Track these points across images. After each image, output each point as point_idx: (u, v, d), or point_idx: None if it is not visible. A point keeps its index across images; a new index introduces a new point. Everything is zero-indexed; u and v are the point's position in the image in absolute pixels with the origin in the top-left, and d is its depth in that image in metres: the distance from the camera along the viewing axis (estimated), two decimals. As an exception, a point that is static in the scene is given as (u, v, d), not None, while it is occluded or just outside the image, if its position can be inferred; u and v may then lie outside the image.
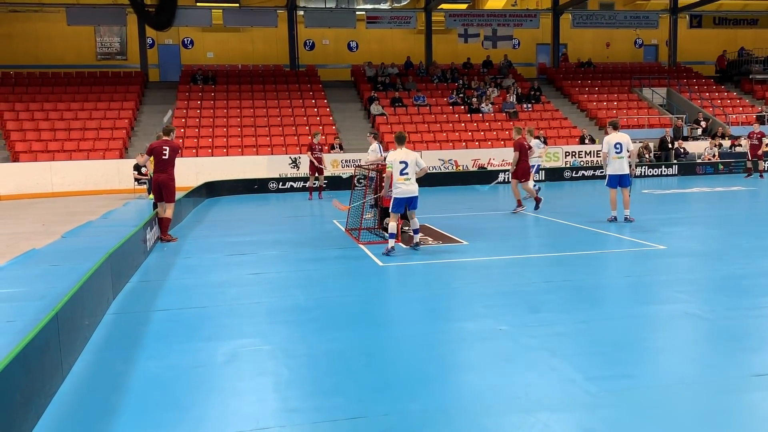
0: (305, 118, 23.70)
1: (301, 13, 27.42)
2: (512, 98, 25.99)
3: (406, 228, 9.55)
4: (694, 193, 16.70)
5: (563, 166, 22.33)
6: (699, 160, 22.97)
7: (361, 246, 9.32)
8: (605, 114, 25.58)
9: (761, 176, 19.68)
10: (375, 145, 12.71)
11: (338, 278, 7.60)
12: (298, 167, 20.58)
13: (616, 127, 11.13)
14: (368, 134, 13.97)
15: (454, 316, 5.94)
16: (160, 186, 9.92)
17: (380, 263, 8.13)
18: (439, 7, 28.24)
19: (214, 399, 4.09)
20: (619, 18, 30.66)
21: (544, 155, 17.62)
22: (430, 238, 9.81)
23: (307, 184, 17.55)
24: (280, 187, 19.60)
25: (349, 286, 7.21)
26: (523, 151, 12.47)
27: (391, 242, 8.62)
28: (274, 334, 5.43)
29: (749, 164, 20.42)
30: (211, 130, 22.72)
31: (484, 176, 21.00)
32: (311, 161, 16.52)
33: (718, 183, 18.80)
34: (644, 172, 21.44)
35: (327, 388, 4.24)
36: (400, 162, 8.64)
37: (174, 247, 9.79)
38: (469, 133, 23.74)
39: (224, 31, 28.28)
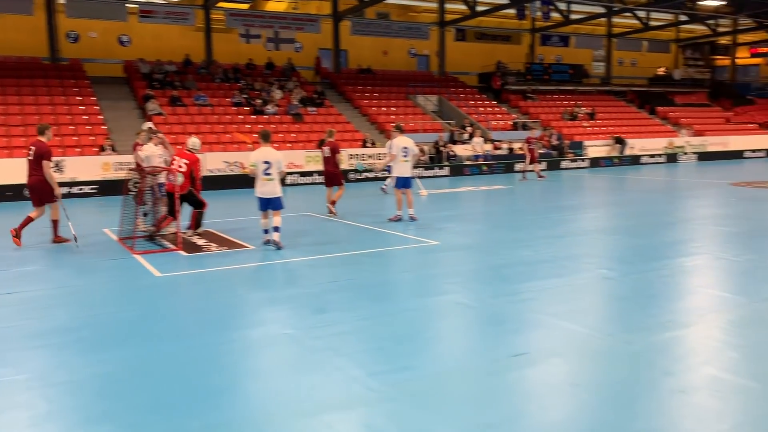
0: (70, 117, 21.45)
1: (62, 1, 24.79)
2: (296, 101, 26.17)
3: (186, 231, 9.10)
4: (462, 192, 18.25)
5: (348, 168, 23.03)
6: (467, 162, 25.21)
7: (136, 256, 8.64)
8: (385, 119, 26.89)
9: (540, 177, 21.16)
10: (154, 148, 11.31)
11: (108, 293, 6.94)
12: (62, 171, 18.57)
13: (401, 131, 11.71)
14: (144, 134, 12.31)
15: (237, 324, 5.74)
16: (31, 190, 9.65)
17: (157, 273, 7.60)
18: (219, 5, 27.42)
19: (-52, 446, 3.45)
20: (395, 28, 32.47)
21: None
22: (214, 245, 9.43)
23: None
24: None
25: (121, 300, 6.62)
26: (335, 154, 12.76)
27: (265, 237, 9.26)
28: (29, 361, 4.77)
29: (526, 167, 21.65)
30: (-49, 129, 19.51)
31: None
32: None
33: (483, 182, 20.79)
34: (421, 173, 22.94)
35: (94, 415, 3.83)
36: (264, 162, 8.85)
37: None
38: (255, 135, 23.40)
39: (-33, 17, 24.51)
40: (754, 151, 31.02)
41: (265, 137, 9.16)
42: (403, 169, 11.42)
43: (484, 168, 24.70)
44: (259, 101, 25.47)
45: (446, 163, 24.72)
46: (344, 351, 4.85)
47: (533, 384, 4.31)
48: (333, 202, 12.75)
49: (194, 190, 10.19)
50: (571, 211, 13.70)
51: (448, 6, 32.59)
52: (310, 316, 5.80)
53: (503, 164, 24.69)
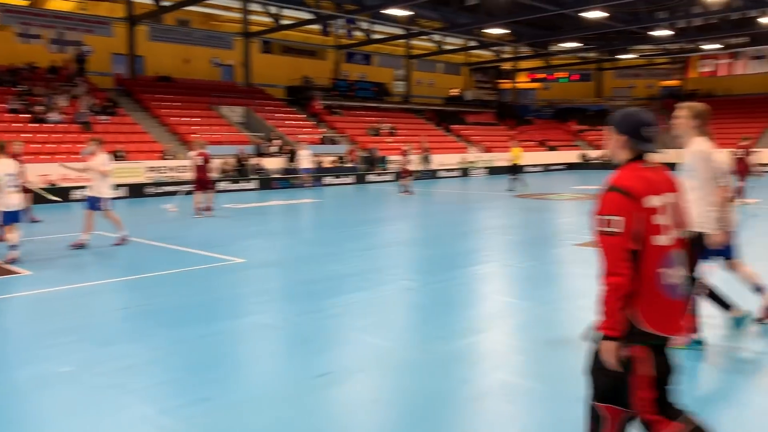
0: None
1: None
2: (85, 109, 23.96)
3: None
4: (270, 206, 17.98)
5: (145, 181, 21.58)
6: (274, 175, 24.95)
7: None
8: (187, 129, 25.69)
9: (405, 192, 20.67)
10: None
11: None
12: None
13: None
14: None
15: (3, 364, 4.95)
16: None
17: None
18: (-10, -1, 24.35)
19: None
20: (196, 36, 31.30)
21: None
22: (-22, 271, 8.16)
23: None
24: None
25: None
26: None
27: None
28: None
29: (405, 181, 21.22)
30: None
31: (57, 193, 18.75)
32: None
33: (291, 196, 20.70)
34: (226, 187, 22.21)
35: None
36: (8, 174, 8.57)
37: None
38: (38, 145, 20.95)
39: None
40: (534, 165, 34.64)
41: (1, 149, 8.78)
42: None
43: (293, 182, 24.62)
44: (40, 108, 22.92)
45: (253, 177, 24.25)
46: (133, 387, 4.38)
47: (336, 404, 4.23)
48: (208, 208, 14.31)
49: None
50: (377, 223, 14.10)
51: (253, 18, 32.22)
52: (94, 350, 5.19)
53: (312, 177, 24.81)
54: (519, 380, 4.55)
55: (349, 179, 27.12)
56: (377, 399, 4.26)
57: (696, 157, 4.70)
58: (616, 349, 2.58)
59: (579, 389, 3.16)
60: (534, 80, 48.63)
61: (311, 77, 35.27)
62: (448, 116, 40.10)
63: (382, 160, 29.53)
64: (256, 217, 15.61)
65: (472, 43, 38.93)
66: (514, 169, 22.19)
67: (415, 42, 39.73)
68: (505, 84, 47.55)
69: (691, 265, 4.67)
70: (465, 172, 32.18)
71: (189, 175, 17.06)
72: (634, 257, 2.58)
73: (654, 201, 2.63)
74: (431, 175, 29.47)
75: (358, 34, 34.60)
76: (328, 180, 26.06)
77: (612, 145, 2.81)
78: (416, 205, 17.92)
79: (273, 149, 26.95)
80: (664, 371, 2.69)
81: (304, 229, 13.56)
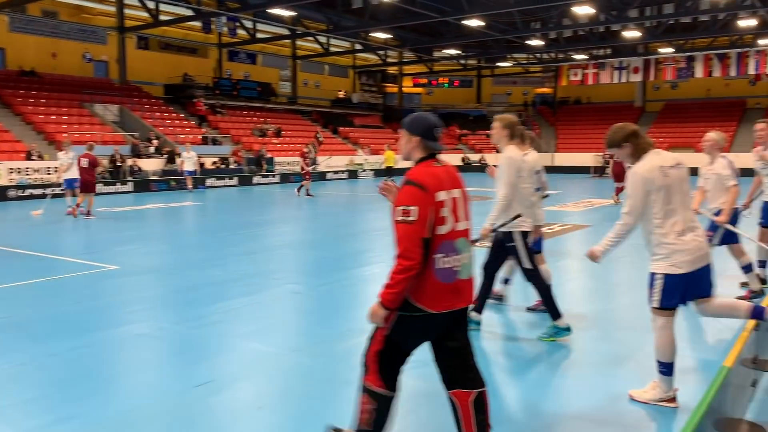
0: None
1: None
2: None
3: None
4: (148, 210, 17.15)
5: (8, 184, 19.90)
6: (153, 177, 23.84)
7: None
8: (55, 128, 23.96)
9: (299, 194, 20.15)
10: None
11: None
12: None
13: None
14: None
15: None
16: None
17: None
18: None
19: None
20: (65, 29, 29.30)
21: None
22: None
23: None
24: None
25: None
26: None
27: None
28: None
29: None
30: None
31: None
32: None
33: (171, 199, 19.86)
34: (100, 189, 20.93)
35: None
36: None
37: None
38: None
39: None
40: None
41: None
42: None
43: (173, 183, 23.66)
44: None
45: (129, 179, 23.06)
46: (-11, 408, 4.00)
47: (218, 413, 4.08)
48: (89, 212, 14.31)
49: None
50: (262, 226, 13.83)
51: (129, 12, 30.62)
52: (-57, 370, 4.70)
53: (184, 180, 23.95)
54: (410, 381, 4.61)
55: (234, 181, 26.48)
56: (261, 406, 4.17)
57: (505, 162, 5.23)
58: (386, 316, 2.97)
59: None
60: (418, 85, 49.84)
61: (192, 75, 34.04)
62: (335, 118, 40.17)
63: (270, 162, 29.09)
64: (132, 222, 14.81)
65: (358, 47, 39.26)
66: (389, 172, 23.13)
67: (301, 43, 39.45)
68: (391, 88, 48.36)
69: (531, 255, 5.32)
70: (353, 174, 32.38)
71: (57, 177, 16.09)
72: (427, 244, 2.88)
73: (441, 195, 2.93)
74: (319, 177, 29.41)
75: (241, 32, 33.82)
76: (210, 182, 25.29)
77: (406, 145, 3.08)
78: (304, 207, 17.78)
79: (151, 150, 25.76)
80: (413, 344, 3.09)
81: (185, 234, 13.05)
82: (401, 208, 2.89)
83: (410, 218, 2.85)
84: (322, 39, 37.11)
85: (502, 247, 5.44)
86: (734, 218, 6.48)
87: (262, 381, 4.61)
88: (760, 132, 6.81)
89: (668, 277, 3.80)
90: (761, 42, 32.00)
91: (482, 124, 41.92)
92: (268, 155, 29.41)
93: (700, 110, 39.61)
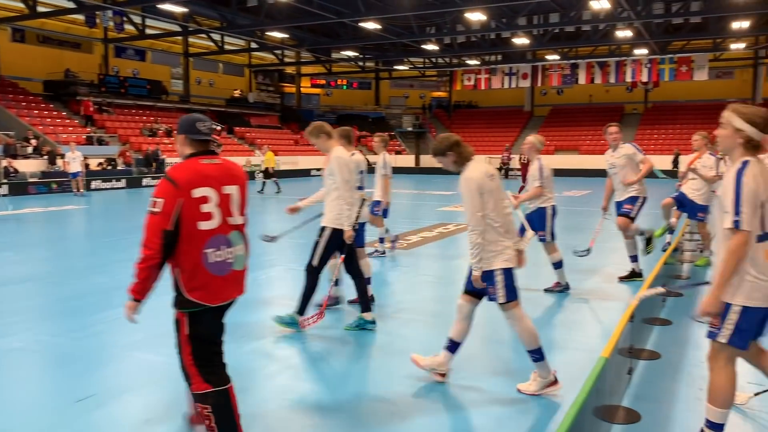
0: None
1: None
2: None
3: None
4: (26, 214, 15.96)
5: None
6: (30, 179, 22.25)
7: None
8: None
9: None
10: None
11: None
12: None
13: None
14: None
15: None
16: None
17: None
18: None
19: None
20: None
21: None
22: None
23: None
24: None
25: None
26: None
27: None
28: None
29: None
30: None
31: None
32: None
33: (52, 203, 18.61)
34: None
35: None
36: None
37: None
38: None
39: None
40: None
41: None
42: None
43: (55, 186, 22.21)
44: None
45: (4, 181, 21.43)
46: None
47: (100, 429, 3.85)
48: None
49: None
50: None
51: (2, 2, 28.43)
52: None
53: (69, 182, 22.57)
54: (297, 383, 4.56)
55: (122, 183, 25.22)
56: (149, 419, 3.97)
57: (335, 163, 5.45)
58: (134, 308, 3.08)
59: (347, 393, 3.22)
60: (316, 86, 49.63)
61: (75, 72, 32.06)
62: (230, 118, 39.20)
63: (161, 163, 27.94)
64: (5, 227, 13.73)
65: (254, 45, 38.52)
66: (267, 173, 23.19)
67: (193, 40, 38.16)
68: (289, 88, 47.83)
69: (328, 257, 5.59)
70: (251, 176, 31.70)
71: None
72: (172, 237, 2.97)
73: (204, 192, 3.01)
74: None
75: (129, 27, 32.22)
76: (96, 184, 23.93)
77: (177, 143, 3.23)
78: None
79: (29, 150, 24.05)
80: (212, 334, 3.19)
81: (67, 239, 12.25)
82: (152, 199, 2.98)
83: (155, 209, 2.95)
84: (216, 36, 36.08)
85: (340, 242, 5.59)
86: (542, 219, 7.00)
87: (151, 392, 4.39)
88: (614, 135, 7.29)
89: (506, 271, 4.15)
90: (637, 52, 34.43)
91: (381, 126, 42.39)
92: (163, 156, 28.24)
93: (583, 115, 42.15)
